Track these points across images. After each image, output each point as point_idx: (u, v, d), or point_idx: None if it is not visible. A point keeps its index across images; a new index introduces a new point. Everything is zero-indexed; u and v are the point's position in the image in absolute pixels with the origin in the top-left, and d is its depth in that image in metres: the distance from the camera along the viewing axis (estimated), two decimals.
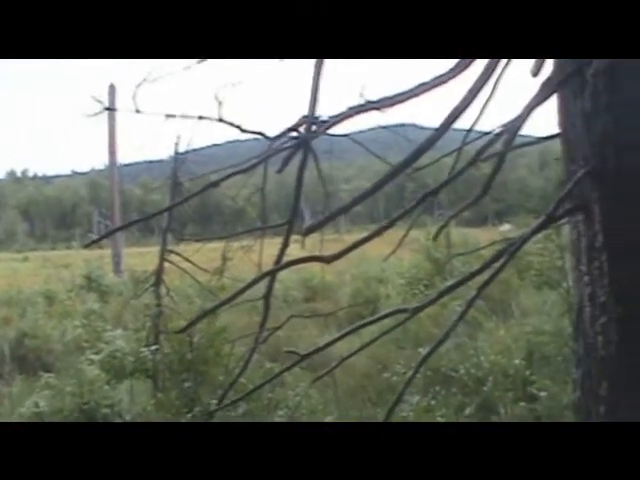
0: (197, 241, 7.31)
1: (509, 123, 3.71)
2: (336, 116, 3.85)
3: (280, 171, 4.20)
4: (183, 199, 5.77)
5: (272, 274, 4.20)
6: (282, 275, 19.90)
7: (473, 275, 3.76)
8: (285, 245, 4.24)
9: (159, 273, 8.58)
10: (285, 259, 4.46)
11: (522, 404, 6.75)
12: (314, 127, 3.90)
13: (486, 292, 3.72)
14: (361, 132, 4.93)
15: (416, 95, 3.75)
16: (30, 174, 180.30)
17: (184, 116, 4.51)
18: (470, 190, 4.47)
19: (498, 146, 3.89)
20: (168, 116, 4.45)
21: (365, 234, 3.94)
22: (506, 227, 43.50)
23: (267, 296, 4.38)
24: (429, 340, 10.29)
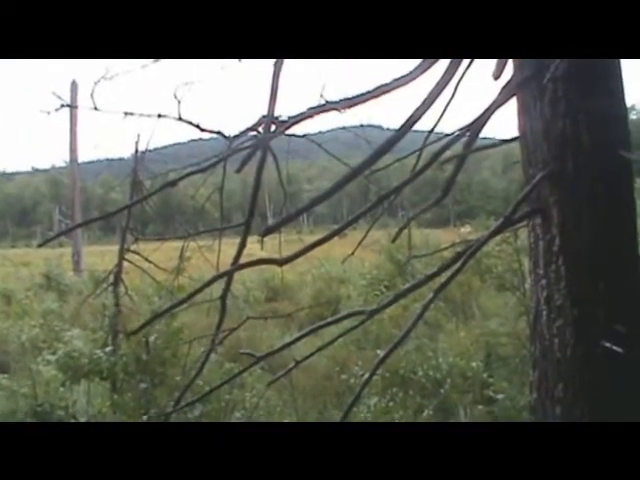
0: (158, 240, 7.24)
1: (469, 125, 3.72)
2: (295, 116, 3.83)
3: (239, 171, 4.17)
4: (141, 198, 5.71)
5: (227, 275, 4.16)
6: (243, 275, 19.87)
7: (430, 277, 3.75)
8: (242, 246, 4.20)
9: (118, 272, 8.49)
10: (245, 259, 4.44)
11: (480, 406, 6.78)
12: (273, 127, 3.87)
13: (447, 294, 3.74)
14: (322, 133, 4.93)
15: (376, 96, 3.73)
16: None
17: (143, 114, 4.47)
18: (434, 192, 4.48)
19: (459, 148, 3.90)
20: (126, 114, 4.40)
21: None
22: (467, 228, 43.81)
23: (224, 297, 4.34)
24: (390, 341, 10.27)
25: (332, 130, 5.21)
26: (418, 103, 3.67)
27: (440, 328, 12.54)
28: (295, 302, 18.97)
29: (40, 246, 4.47)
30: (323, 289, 18.55)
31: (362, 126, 5.39)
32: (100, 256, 41.31)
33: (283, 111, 4.00)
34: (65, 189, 77.66)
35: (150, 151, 9.34)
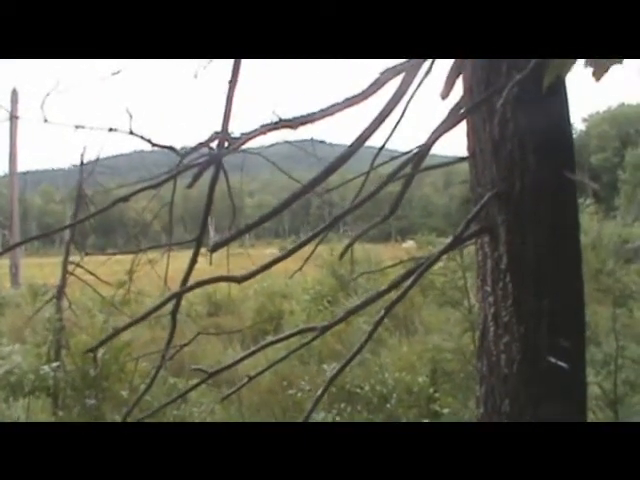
0: (105, 254, 7.18)
1: (420, 146, 3.78)
2: (248, 133, 3.85)
3: (190, 186, 4.17)
4: (92, 214, 5.66)
5: (186, 292, 4.16)
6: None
7: (381, 294, 3.80)
8: (194, 262, 4.19)
9: (61, 286, 8.38)
10: (192, 275, 4.43)
11: (426, 421, 6.85)
12: (226, 143, 3.89)
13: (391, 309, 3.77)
14: (264, 147, 4.95)
15: (329, 114, 3.78)
16: None
17: (94, 127, 4.44)
18: (375, 207, 4.54)
19: (407, 167, 3.96)
20: (77, 127, 4.37)
21: (270, 249, 3.97)
22: (409, 244, 44.14)
23: (174, 313, 4.32)
24: (333, 356, 10.39)
25: (275, 144, 5.23)
26: (356, 119, 3.72)
27: (382, 343, 12.62)
28: (237, 317, 18.94)
29: None
30: (266, 304, 18.53)
31: (306, 141, 5.43)
32: (39, 268, 40.63)
33: (232, 127, 4.03)
34: (2, 199, 76.39)
35: (89, 163, 9.24)
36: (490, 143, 3.58)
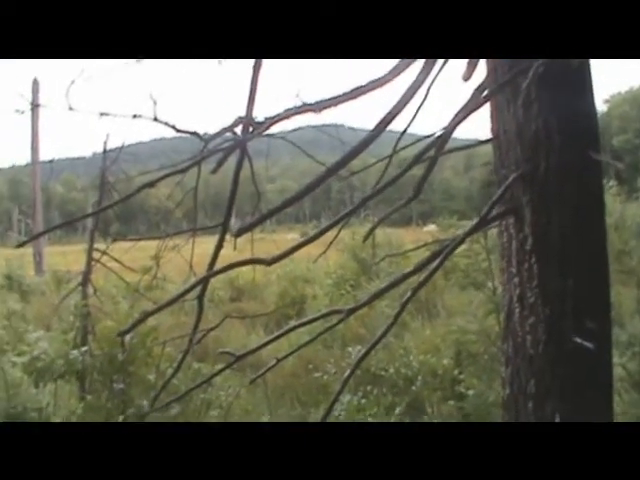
0: (131, 240, 7.22)
1: (442, 129, 3.78)
2: (272, 117, 3.86)
3: (215, 172, 4.19)
4: (117, 200, 5.68)
5: (214, 275, 4.19)
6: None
7: (406, 276, 3.81)
8: (219, 246, 4.22)
9: (86, 273, 8.45)
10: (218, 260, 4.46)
11: (451, 402, 6.87)
12: (250, 128, 3.90)
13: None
14: (286, 132, 4.95)
15: (353, 98, 3.78)
16: None
17: (118, 115, 4.46)
18: (396, 191, 4.54)
19: (430, 150, 3.95)
20: (102, 114, 4.39)
21: (292, 234, 3.99)
22: (431, 227, 44.02)
23: (201, 297, 4.35)
24: (356, 340, 10.41)
25: (297, 129, 5.23)
26: (376, 103, 3.72)
27: (405, 326, 12.62)
28: (260, 301, 18.97)
29: (20, 246, 4.47)
30: (288, 288, 18.53)
31: (326, 125, 5.43)
32: (62, 256, 40.90)
33: (255, 111, 4.04)
34: (24, 188, 76.84)
35: (112, 150, 9.29)
36: (514, 124, 3.58)
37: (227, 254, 4.48)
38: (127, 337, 6.66)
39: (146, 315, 4.05)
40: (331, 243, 4.56)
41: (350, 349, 7.56)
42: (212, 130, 4.41)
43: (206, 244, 5.71)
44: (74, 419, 6.48)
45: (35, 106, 7.69)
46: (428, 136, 3.95)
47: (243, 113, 4.05)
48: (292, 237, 42.42)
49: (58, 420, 6.51)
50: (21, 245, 4.67)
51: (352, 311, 3.82)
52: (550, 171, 3.48)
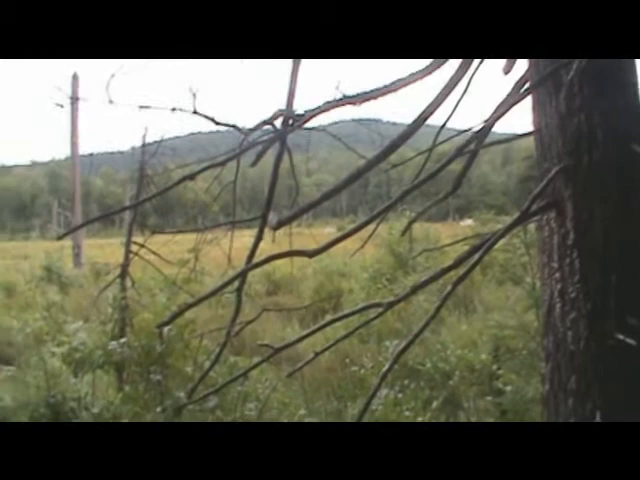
0: (170, 233, 7.26)
1: (483, 122, 3.75)
2: (312, 110, 3.86)
3: (254, 164, 4.21)
4: (156, 192, 5.72)
5: (252, 269, 4.20)
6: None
7: (446, 270, 3.79)
8: (259, 239, 4.24)
9: (125, 265, 8.52)
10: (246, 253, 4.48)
11: (488, 398, 6.83)
12: (290, 121, 3.91)
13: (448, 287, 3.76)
14: (324, 126, 4.94)
15: (393, 90, 3.77)
16: None
17: (157, 107, 4.48)
18: (433, 185, 4.52)
19: (471, 143, 3.93)
20: (141, 107, 4.42)
21: (328, 228, 3.99)
22: (468, 222, 43.79)
23: (239, 290, 4.38)
24: (392, 334, 10.36)
25: (336, 123, 5.22)
26: (410, 98, 3.70)
27: (442, 321, 12.54)
28: (296, 295, 18.95)
29: (60, 238, 4.52)
30: (324, 283, 18.52)
31: (364, 120, 5.42)
32: (99, 249, 41.33)
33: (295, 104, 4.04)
34: (64, 182, 77.72)
35: (150, 144, 9.34)
36: (556, 117, 3.54)
37: (264, 248, 4.48)
38: (165, 329, 6.69)
39: (186, 307, 4.08)
40: (370, 237, 4.55)
41: (387, 343, 7.53)
42: (250, 124, 4.43)
43: (243, 237, 5.73)
44: (112, 409, 6.54)
45: (75, 99, 7.75)
46: (466, 130, 3.93)
47: (282, 106, 4.06)
48: (329, 231, 42.41)
49: (97, 410, 6.57)
50: (61, 237, 4.74)
51: (391, 305, 3.81)
52: (592, 165, 3.44)
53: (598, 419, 3.39)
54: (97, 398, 7.40)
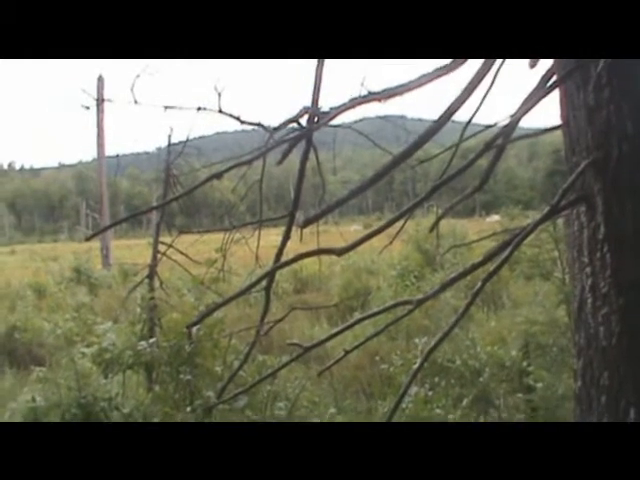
0: (197, 233, 7.28)
1: (511, 116, 3.72)
2: (338, 107, 3.84)
3: (280, 162, 4.20)
4: (184, 192, 5.73)
5: (281, 268, 4.20)
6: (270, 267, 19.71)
7: (476, 266, 3.77)
8: (287, 237, 4.23)
9: (153, 265, 8.56)
10: (273, 252, 4.47)
11: (519, 395, 6.79)
12: (316, 118, 3.90)
13: (477, 284, 3.73)
14: (348, 123, 4.91)
15: (418, 86, 3.75)
16: (17, 166, 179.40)
17: (183, 107, 4.49)
18: (459, 182, 4.49)
19: (498, 138, 3.90)
20: (167, 107, 4.43)
21: (355, 226, 3.98)
22: (495, 218, 43.60)
23: (268, 289, 4.37)
24: (420, 331, 10.33)
25: (361, 120, 5.21)
26: (433, 95, 3.68)
27: (470, 318, 12.48)
28: (324, 293, 18.96)
29: (88, 239, 4.56)
30: (352, 280, 18.49)
31: (387, 116, 5.40)
32: (127, 250, 41.62)
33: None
34: (91, 183, 78.24)
35: (176, 144, 9.37)
36: (585, 110, 3.50)
37: (290, 247, 4.48)
38: (194, 329, 6.71)
39: (216, 307, 4.09)
40: (397, 233, 4.53)
41: (417, 340, 7.50)
42: (275, 123, 4.43)
43: (269, 236, 5.74)
44: (142, 409, 6.57)
45: (100, 101, 7.80)
46: (492, 125, 3.90)
47: (306, 104, 4.05)
48: (355, 229, 42.44)
49: (127, 410, 6.61)
50: (89, 238, 4.77)
51: (421, 302, 3.80)
52: (622, 158, 3.39)
53: (632, 416, 3.34)
54: (127, 398, 7.43)
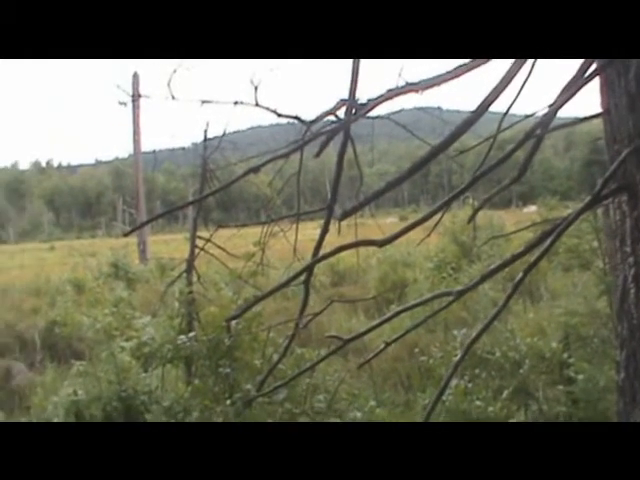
0: (236, 227, 7.31)
1: (549, 106, 3.68)
2: (375, 99, 3.83)
3: (318, 155, 4.20)
4: (221, 187, 5.75)
5: (321, 261, 4.20)
6: (308, 261, 19.70)
7: (517, 257, 3.73)
8: (325, 230, 4.23)
9: (190, 260, 8.59)
10: (310, 244, 4.48)
11: (559, 387, 6.73)
12: (353, 110, 3.88)
13: (514, 275, 3.71)
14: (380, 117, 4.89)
15: (455, 77, 3.72)
16: (55, 164, 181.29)
17: (219, 102, 4.51)
18: (495, 173, 4.45)
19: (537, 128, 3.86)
20: (204, 102, 4.44)
21: (391, 218, 3.97)
22: (532, 209, 43.30)
23: (307, 282, 4.38)
24: (458, 324, 10.29)
25: (397, 112, 5.18)
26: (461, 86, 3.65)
27: (508, 309, 12.38)
28: (361, 286, 18.92)
29: (126, 235, 4.59)
30: (389, 273, 18.41)
31: (421, 108, 5.37)
32: (164, 245, 41.92)
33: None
34: (128, 179, 78.86)
35: (211, 139, 9.39)
36: (626, 97, 3.45)
37: (328, 240, 4.47)
38: (233, 323, 6.74)
39: (256, 300, 4.10)
40: (436, 225, 4.50)
41: (455, 332, 7.45)
42: (312, 116, 4.42)
43: (306, 230, 5.74)
44: (182, 402, 6.61)
45: (136, 97, 7.84)
46: (530, 115, 3.87)
47: (342, 97, 4.05)
48: (391, 221, 42.33)
49: (167, 403, 6.65)
50: (127, 234, 4.83)
51: (461, 293, 3.77)
52: None
53: None
54: (167, 392, 7.49)
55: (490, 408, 6.08)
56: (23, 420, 8.51)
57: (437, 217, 4.37)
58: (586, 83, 3.48)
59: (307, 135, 4.18)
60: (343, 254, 19.66)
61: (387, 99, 3.79)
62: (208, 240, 8.22)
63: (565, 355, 6.96)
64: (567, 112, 4.63)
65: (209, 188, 8.57)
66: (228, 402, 6.34)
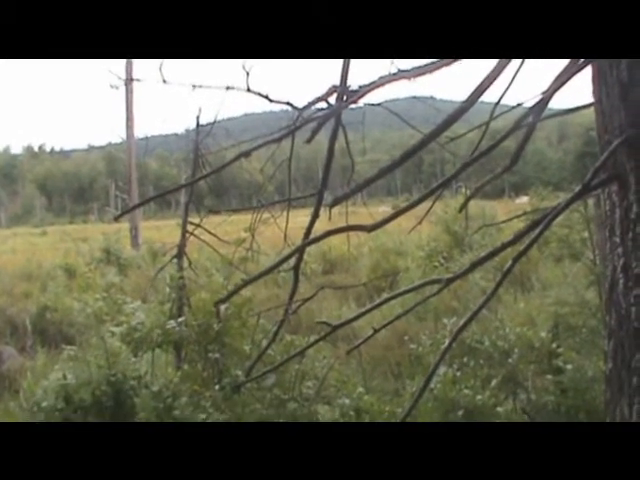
0: (226, 212, 7.30)
1: (541, 94, 3.68)
2: (367, 85, 3.83)
3: (309, 141, 4.19)
4: (212, 171, 5.74)
5: (309, 245, 4.20)
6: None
7: (506, 246, 3.74)
8: (315, 216, 4.22)
9: (181, 245, 8.58)
10: (301, 231, 4.48)
11: (548, 376, 6.75)
12: (345, 97, 3.88)
13: (505, 265, 3.71)
14: (373, 105, 4.89)
15: (447, 65, 3.72)
16: (47, 148, 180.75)
17: (211, 87, 4.49)
18: (487, 163, 4.46)
19: (528, 117, 3.86)
20: (195, 86, 4.43)
21: (383, 207, 3.97)
22: (524, 199, 43.29)
23: (297, 267, 4.38)
24: (448, 312, 10.30)
25: (389, 101, 5.17)
26: (453, 76, 3.66)
27: (498, 299, 12.42)
28: (352, 274, 18.93)
29: (117, 218, 4.58)
30: (380, 261, 18.45)
31: (411, 98, 5.37)
32: (156, 231, 41.87)
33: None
34: (121, 165, 78.60)
35: (203, 125, 9.36)
36: (618, 87, 3.44)
37: (318, 227, 4.47)
38: (222, 308, 6.74)
39: (244, 284, 4.10)
40: (426, 214, 4.51)
41: (445, 321, 7.46)
42: (304, 103, 4.42)
43: (297, 217, 5.73)
44: (171, 387, 6.61)
45: (129, 81, 7.80)
46: (521, 104, 3.87)
47: (334, 83, 4.04)
48: (384, 210, 42.31)
49: (156, 388, 6.64)
50: (118, 217, 4.81)
51: (450, 281, 3.78)
52: None
53: None
54: (156, 376, 7.48)
55: (478, 397, 6.08)
56: (12, 404, 8.53)
57: (431, 205, 4.39)
58: (577, 72, 3.48)
59: (299, 120, 4.18)
60: (335, 242, 19.68)
61: (379, 86, 3.79)
62: (198, 225, 8.20)
63: (554, 345, 6.97)
64: (561, 103, 4.64)
65: (201, 173, 8.56)
66: (217, 387, 6.36)
